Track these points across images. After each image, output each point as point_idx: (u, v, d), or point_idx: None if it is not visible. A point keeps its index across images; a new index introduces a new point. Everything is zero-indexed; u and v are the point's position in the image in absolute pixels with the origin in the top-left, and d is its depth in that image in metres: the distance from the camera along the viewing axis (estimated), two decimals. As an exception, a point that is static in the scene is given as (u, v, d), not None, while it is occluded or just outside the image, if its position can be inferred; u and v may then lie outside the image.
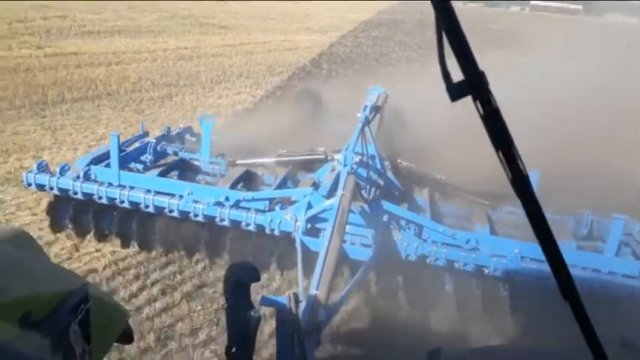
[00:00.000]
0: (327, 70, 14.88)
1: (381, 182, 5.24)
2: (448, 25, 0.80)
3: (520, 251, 4.45)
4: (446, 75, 0.83)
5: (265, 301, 2.79)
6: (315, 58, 16.66)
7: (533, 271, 4.39)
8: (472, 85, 0.81)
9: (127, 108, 10.24)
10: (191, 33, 19.67)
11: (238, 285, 1.95)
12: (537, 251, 4.43)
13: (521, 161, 0.84)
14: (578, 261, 4.41)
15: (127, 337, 1.58)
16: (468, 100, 0.82)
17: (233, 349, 2.01)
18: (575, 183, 5.51)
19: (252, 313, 1.95)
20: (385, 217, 4.67)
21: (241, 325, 1.94)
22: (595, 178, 5.87)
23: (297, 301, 2.73)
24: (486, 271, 4.52)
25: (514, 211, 5.33)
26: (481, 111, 0.82)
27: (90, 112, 9.80)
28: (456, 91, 0.82)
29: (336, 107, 7.51)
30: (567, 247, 4.56)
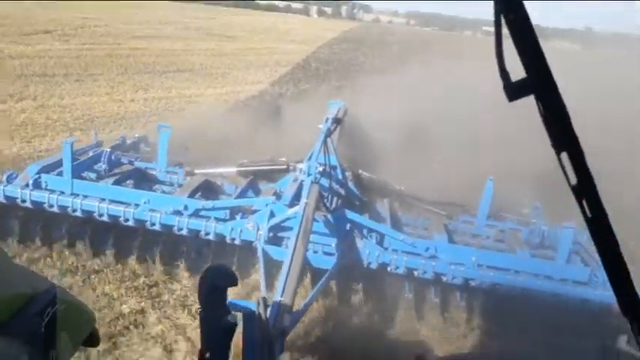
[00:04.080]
0: (315, 66, 21.78)
1: (343, 192, 5.29)
2: (512, 11, 0.70)
3: (477, 259, 4.57)
4: (503, 72, 0.74)
5: (233, 306, 2.73)
6: (305, 59, 23.38)
7: (490, 277, 4.52)
8: (536, 83, 0.73)
9: (206, 77, 16.56)
10: (208, 41, 26.54)
11: (214, 289, 1.89)
12: (494, 259, 4.62)
13: (586, 164, 0.76)
14: (532, 268, 4.58)
15: (93, 339, 1.52)
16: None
17: (207, 355, 1.95)
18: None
19: (229, 318, 1.89)
20: (348, 226, 4.70)
21: (216, 330, 1.88)
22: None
23: (266, 307, 2.69)
24: (445, 278, 4.61)
25: (471, 221, 5.50)
26: (543, 111, 0.74)
27: (187, 77, 16.15)
28: (515, 90, 0.73)
29: (325, 82, 16.15)
30: (522, 255, 4.74)
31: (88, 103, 11.26)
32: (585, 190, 0.77)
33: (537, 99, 0.74)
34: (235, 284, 2.01)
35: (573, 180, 0.77)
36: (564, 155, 0.76)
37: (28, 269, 1.45)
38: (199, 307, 1.98)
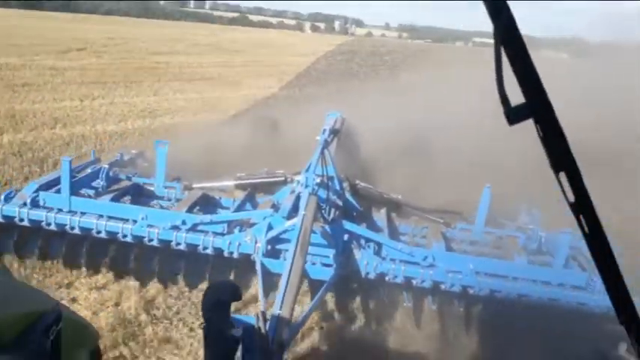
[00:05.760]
0: (315, 74, 24.97)
1: (340, 203, 5.31)
2: (510, 43, 0.75)
3: (475, 266, 4.59)
4: (504, 99, 0.78)
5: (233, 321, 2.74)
6: (306, 69, 26.71)
7: (488, 285, 4.54)
8: (535, 107, 0.77)
9: (225, 84, 19.60)
10: (217, 55, 30.06)
11: (219, 304, 1.90)
12: (491, 266, 4.64)
13: (583, 184, 0.80)
14: (529, 274, 4.60)
15: (96, 357, 1.54)
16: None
17: None
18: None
19: (233, 332, 1.91)
20: (345, 237, 4.72)
21: (220, 344, 1.89)
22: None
23: (265, 321, 2.71)
24: (443, 287, 4.63)
25: (468, 228, 5.52)
26: (541, 133, 0.78)
27: (210, 84, 19.35)
28: (515, 115, 0.77)
29: (325, 87, 18.80)
30: (519, 262, 4.76)
31: (143, 101, 14.52)
32: (582, 207, 0.81)
33: (536, 122, 0.78)
34: (239, 299, 2.02)
35: (571, 198, 0.81)
36: (562, 175, 0.81)
37: (34, 288, 1.47)
38: (202, 322, 1.99)
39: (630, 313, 0.87)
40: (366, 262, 4.61)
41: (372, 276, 4.63)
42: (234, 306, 1.95)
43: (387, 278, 4.64)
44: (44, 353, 1.13)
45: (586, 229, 0.83)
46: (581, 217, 0.83)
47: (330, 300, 4.87)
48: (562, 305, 4.43)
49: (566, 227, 4.79)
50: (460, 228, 5.59)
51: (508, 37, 0.76)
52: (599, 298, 4.40)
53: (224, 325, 1.89)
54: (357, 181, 5.77)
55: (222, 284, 2.05)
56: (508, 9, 0.75)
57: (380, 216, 5.61)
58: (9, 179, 7.21)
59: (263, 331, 2.58)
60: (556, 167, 0.80)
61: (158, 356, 4.12)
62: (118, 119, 11.88)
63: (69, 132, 10.23)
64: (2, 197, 5.07)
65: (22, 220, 4.94)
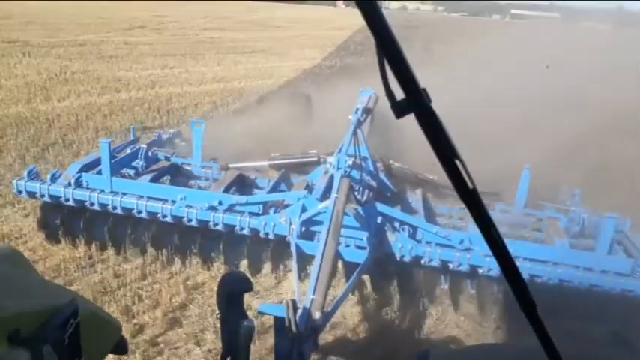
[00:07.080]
0: (353, 47, 26.93)
1: (374, 184, 5.25)
2: (385, 43, 0.80)
3: (513, 250, 4.46)
4: (389, 93, 0.83)
5: (263, 310, 2.78)
6: (345, 41, 29.47)
7: (527, 269, 4.42)
8: (414, 102, 0.81)
9: (275, 56, 22.40)
10: (262, 31, 33.37)
11: (231, 295, 1.94)
12: (531, 250, 4.50)
13: (468, 173, 0.83)
14: (571, 259, 4.44)
15: (121, 347, 1.58)
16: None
17: (227, 359, 2.00)
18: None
19: (246, 323, 1.94)
20: (379, 219, 4.68)
21: (234, 334, 1.93)
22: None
23: (295, 308, 2.73)
24: (480, 270, 4.54)
25: (508, 210, 5.36)
26: (423, 128, 0.82)
27: (262, 56, 22.26)
28: (400, 109, 0.81)
29: (364, 58, 20.73)
30: (560, 246, 4.60)
31: (211, 70, 17.44)
32: (469, 196, 0.85)
33: (416, 117, 0.82)
34: (251, 289, 2.05)
35: (460, 187, 0.84)
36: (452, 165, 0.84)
37: (50, 281, 1.51)
38: (218, 312, 2.03)
39: (524, 294, 0.91)
40: (400, 244, 4.56)
41: (407, 259, 4.58)
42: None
43: (422, 261, 4.59)
44: (62, 346, 1.15)
45: (474, 217, 0.87)
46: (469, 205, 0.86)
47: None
48: (605, 292, 4.28)
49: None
50: (499, 210, 5.44)
51: (383, 38, 0.80)
52: None
53: (237, 315, 1.93)
54: (392, 161, 5.68)
55: (233, 275, 2.08)
56: (377, 10, 0.79)
57: (415, 197, 5.52)
58: (142, 121, 10.02)
59: (293, 320, 2.60)
60: (441, 159, 0.84)
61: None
62: (197, 83, 14.92)
63: (165, 91, 13.35)
64: (48, 177, 5.29)
65: (67, 200, 5.14)
